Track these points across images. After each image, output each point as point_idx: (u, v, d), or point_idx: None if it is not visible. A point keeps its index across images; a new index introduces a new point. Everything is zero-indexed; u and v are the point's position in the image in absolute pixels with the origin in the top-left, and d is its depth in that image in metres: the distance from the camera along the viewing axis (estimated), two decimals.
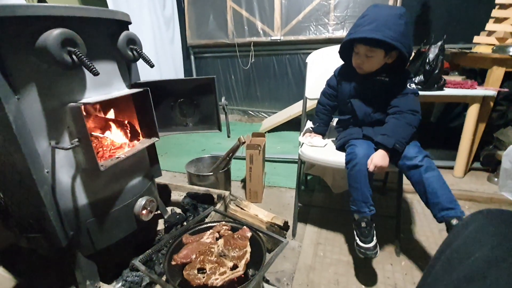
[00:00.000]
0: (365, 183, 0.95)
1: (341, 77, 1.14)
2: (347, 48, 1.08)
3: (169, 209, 1.28)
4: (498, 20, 1.66)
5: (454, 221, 0.87)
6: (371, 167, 0.94)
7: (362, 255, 0.96)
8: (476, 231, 0.41)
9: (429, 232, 1.27)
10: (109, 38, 0.87)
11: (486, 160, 1.73)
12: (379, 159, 0.95)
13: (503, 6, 1.63)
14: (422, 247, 1.19)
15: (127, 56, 0.91)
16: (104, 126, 0.98)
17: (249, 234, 0.87)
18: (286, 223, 1.22)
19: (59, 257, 0.92)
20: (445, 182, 0.91)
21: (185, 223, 1.17)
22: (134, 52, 0.92)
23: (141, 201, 0.99)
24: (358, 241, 0.98)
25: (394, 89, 1.03)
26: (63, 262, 0.98)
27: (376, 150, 0.98)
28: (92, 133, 0.93)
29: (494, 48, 1.60)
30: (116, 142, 0.97)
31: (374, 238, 0.97)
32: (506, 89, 1.56)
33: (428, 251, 1.16)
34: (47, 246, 0.85)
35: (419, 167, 0.92)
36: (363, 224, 0.98)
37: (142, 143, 1.01)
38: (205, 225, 0.94)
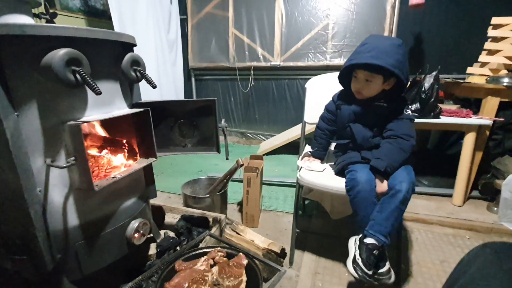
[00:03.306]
0: (371, 209, 0.94)
1: (340, 102, 1.16)
2: (346, 73, 1.11)
3: (162, 232, 1.24)
4: (491, 52, 1.73)
5: (369, 240, 0.92)
6: (379, 196, 0.95)
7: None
8: (483, 267, 0.39)
9: (431, 263, 1.23)
10: (113, 59, 0.89)
11: (484, 188, 1.73)
12: (379, 185, 0.95)
13: (495, 39, 1.70)
14: (424, 279, 1.14)
15: (131, 77, 0.92)
16: (102, 145, 0.97)
17: (245, 261, 0.84)
18: (283, 250, 1.18)
19: (43, 281, 0.87)
20: (402, 218, 0.94)
21: (178, 248, 1.12)
22: (138, 73, 0.94)
23: (134, 224, 0.96)
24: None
25: (391, 114, 1.05)
26: (47, 287, 0.92)
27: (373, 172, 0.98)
28: (89, 151, 0.92)
29: (488, 78, 1.65)
30: (113, 162, 0.96)
31: (387, 263, 0.94)
32: (501, 119, 1.58)
33: (430, 284, 1.11)
34: (32, 269, 0.80)
35: (398, 194, 0.91)
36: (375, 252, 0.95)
37: (139, 163, 1.00)
38: (199, 251, 0.91)
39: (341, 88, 1.19)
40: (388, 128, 1.03)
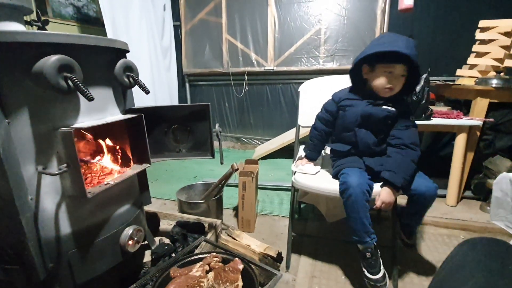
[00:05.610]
0: (363, 212, 0.93)
1: (346, 103, 1.08)
2: (354, 71, 1.04)
3: (157, 239, 1.22)
4: (479, 55, 1.77)
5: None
6: (378, 203, 0.94)
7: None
8: (461, 260, 0.40)
9: (427, 264, 1.23)
10: (106, 65, 0.89)
11: (477, 188, 1.75)
12: (386, 196, 0.93)
13: (483, 42, 1.74)
14: (420, 279, 1.14)
15: (123, 83, 0.92)
16: (95, 151, 0.97)
17: (241, 266, 0.83)
18: (279, 254, 1.17)
19: None
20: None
21: (173, 255, 1.11)
22: (131, 79, 0.94)
23: (128, 231, 0.95)
24: (366, 273, 0.95)
25: (397, 120, 1.01)
26: None
27: (370, 177, 0.98)
28: (82, 158, 0.91)
29: (477, 80, 1.68)
30: (106, 168, 0.95)
31: (382, 268, 0.94)
32: (491, 119, 1.61)
33: (426, 285, 1.12)
34: (25, 279, 0.78)
35: (429, 200, 0.95)
36: (368, 255, 0.95)
37: (133, 169, 0.99)
38: (194, 257, 0.90)
39: (336, 89, 1.15)
40: (395, 136, 0.99)
